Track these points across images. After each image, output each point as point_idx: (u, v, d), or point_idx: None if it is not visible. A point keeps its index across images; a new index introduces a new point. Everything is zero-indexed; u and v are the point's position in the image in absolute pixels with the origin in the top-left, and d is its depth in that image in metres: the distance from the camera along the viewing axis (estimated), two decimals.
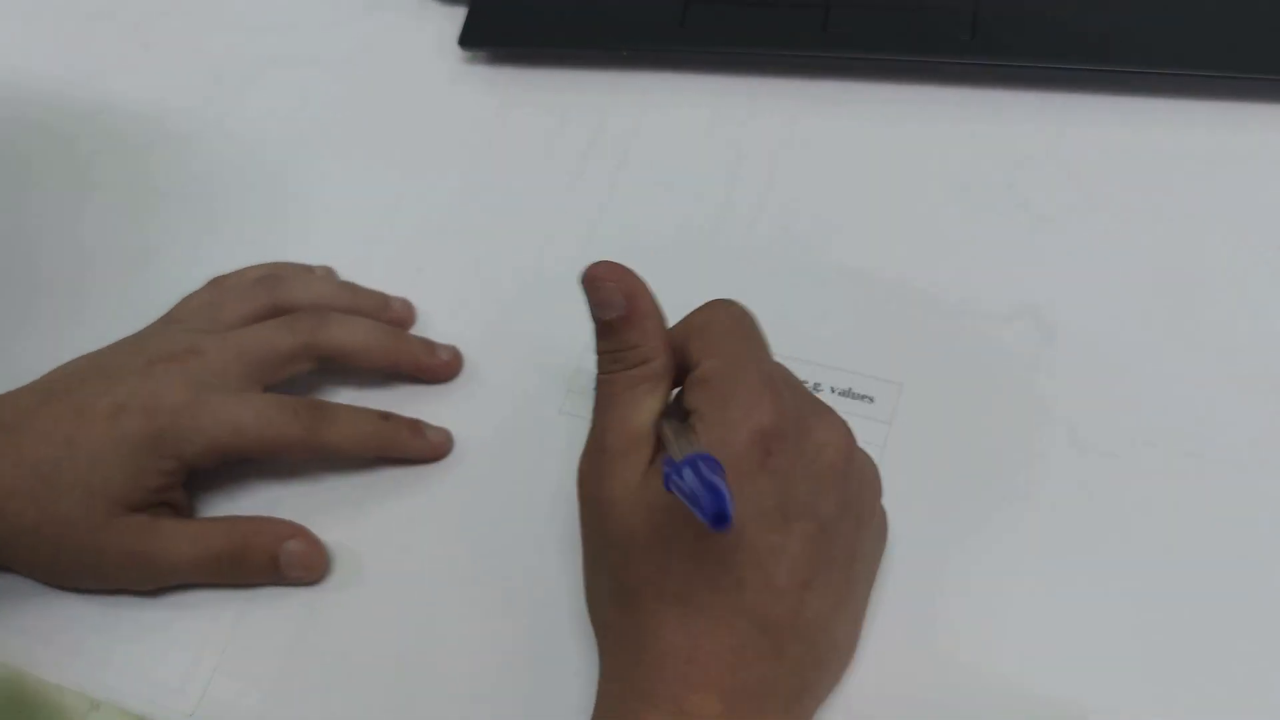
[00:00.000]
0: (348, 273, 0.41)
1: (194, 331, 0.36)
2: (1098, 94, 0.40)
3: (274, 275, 0.38)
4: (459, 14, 0.46)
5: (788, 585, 0.26)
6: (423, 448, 0.36)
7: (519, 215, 0.42)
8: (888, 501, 0.31)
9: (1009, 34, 0.40)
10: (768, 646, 0.26)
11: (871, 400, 0.35)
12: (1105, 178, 0.39)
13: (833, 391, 0.35)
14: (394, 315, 0.39)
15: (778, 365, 0.31)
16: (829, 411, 0.28)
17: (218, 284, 0.39)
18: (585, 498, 0.29)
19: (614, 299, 0.28)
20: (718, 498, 0.23)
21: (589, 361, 0.37)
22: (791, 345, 0.36)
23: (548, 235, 0.41)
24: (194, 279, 0.40)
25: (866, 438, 0.34)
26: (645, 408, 0.28)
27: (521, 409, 0.37)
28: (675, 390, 0.29)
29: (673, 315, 0.37)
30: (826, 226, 0.39)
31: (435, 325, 0.39)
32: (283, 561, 0.34)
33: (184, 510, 0.35)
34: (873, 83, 0.42)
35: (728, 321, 0.29)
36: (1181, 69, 0.38)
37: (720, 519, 0.23)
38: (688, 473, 0.24)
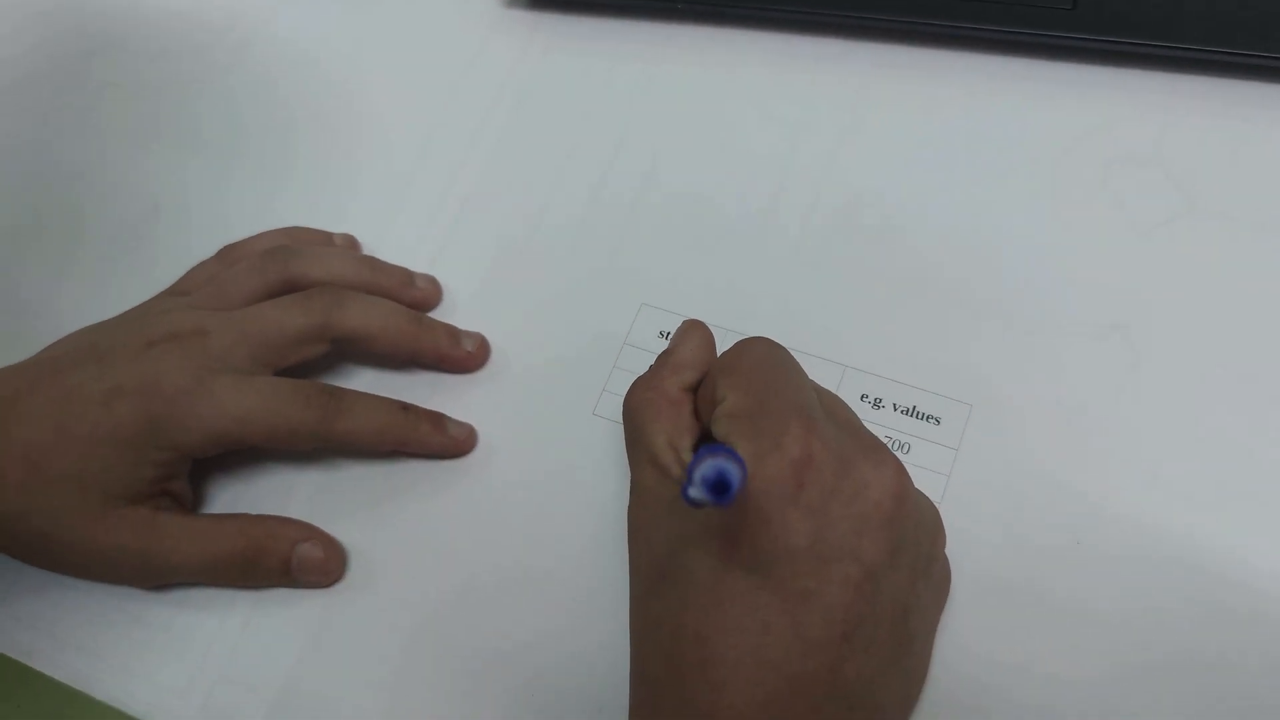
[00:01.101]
0: (367, 236, 0.38)
1: (198, 309, 0.33)
2: (1214, 77, 0.35)
3: (288, 247, 0.35)
4: None
5: (823, 637, 0.24)
6: (444, 443, 0.33)
7: (556, 181, 0.38)
8: (951, 540, 0.29)
9: (1117, 5, 0.35)
10: (801, 708, 0.24)
11: (938, 422, 0.32)
12: (1218, 179, 0.34)
13: (895, 409, 0.32)
14: (418, 294, 0.36)
15: (828, 395, 0.29)
16: (880, 449, 0.26)
17: (227, 254, 0.36)
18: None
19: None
20: (716, 463, 0.21)
21: (628, 360, 0.34)
22: (851, 354, 0.33)
23: (586, 206, 0.37)
24: (204, 230, 0.37)
25: (931, 464, 0.31)
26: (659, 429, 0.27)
27: (553, 408, 0.34)
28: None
29: (721, 313, 0.34)
30: (894, 217, 0.35)
31: (460, 304, 0.36)
32: (295, 566, 0.32)
33: (186, 502, 0.32)
34: (954, 51, 0.38)
35: (754, 357, 0.27)
36: None
37: (720, 486, 0.21)
38: (697, 466, 0.21)
